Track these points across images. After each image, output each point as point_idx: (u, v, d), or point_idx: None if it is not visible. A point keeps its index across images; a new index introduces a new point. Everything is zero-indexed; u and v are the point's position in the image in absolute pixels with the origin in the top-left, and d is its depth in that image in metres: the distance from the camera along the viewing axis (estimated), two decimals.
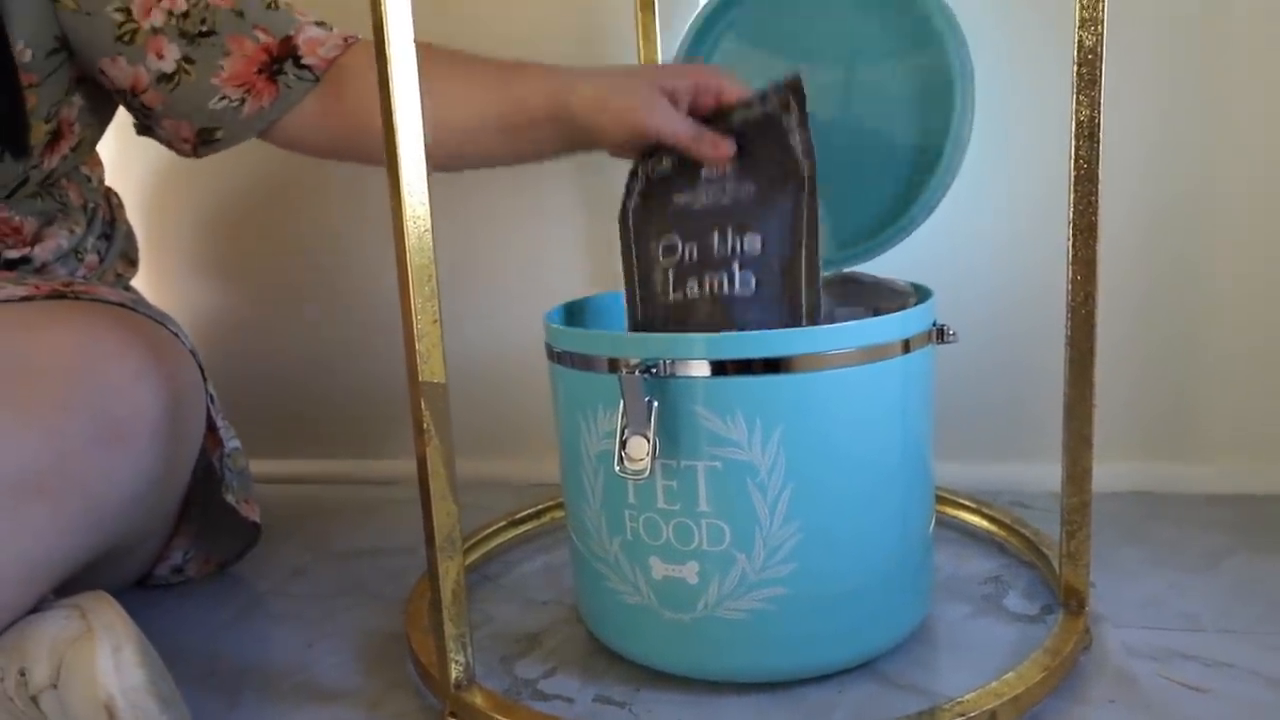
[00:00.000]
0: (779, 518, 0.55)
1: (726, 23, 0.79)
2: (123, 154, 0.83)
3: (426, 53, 0.66)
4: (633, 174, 0.68)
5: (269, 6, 0.70)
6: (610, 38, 0.91)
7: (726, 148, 0.64)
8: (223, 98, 0.70)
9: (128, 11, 0.67)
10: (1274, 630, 0.63)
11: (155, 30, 0.68)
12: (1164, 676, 0.58)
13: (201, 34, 0.68)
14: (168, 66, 0.69)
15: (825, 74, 0.75)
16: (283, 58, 0.70)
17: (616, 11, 0.90)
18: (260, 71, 0.70)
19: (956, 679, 0.59)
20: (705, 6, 0.78)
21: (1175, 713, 0.55)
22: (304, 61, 0.71)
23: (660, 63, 0.85)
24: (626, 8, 0.86)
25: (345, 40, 0.72)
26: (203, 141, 0.73)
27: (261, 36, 0.70)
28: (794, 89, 0.62)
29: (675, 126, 0.65)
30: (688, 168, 0.65)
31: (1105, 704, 0.56)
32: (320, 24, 0.72)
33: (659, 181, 0.67)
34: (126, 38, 0.68)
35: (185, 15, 0.68)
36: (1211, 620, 0.64)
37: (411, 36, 0.49)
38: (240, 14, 0.69)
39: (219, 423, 0.74)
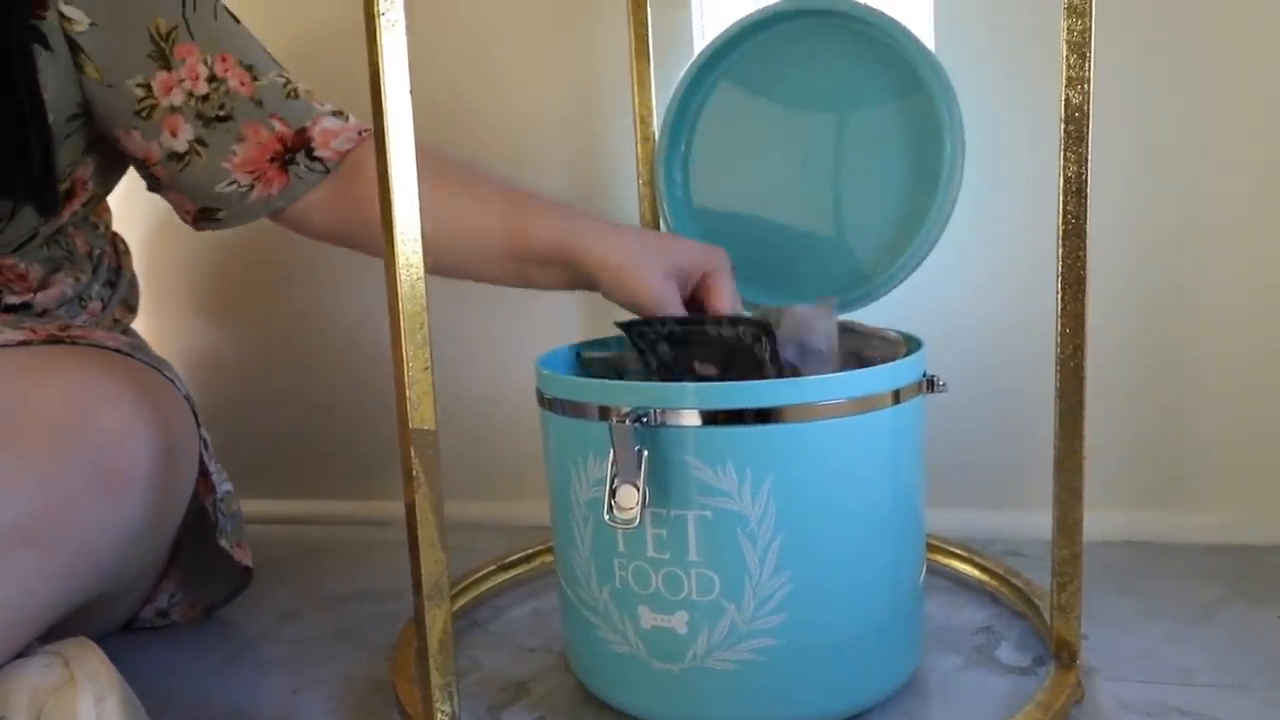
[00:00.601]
0: (769, 568, 0.55)
1: (721, 70, 0.80)
2: (124, 199, 0.84)
3: (437, 165, 0.68)
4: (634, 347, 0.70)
5: (288, 96, 0.71)
6: (605, 85, 0.92)
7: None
8: (231, 182, 0.70)
9: (149, 87, 0.67)
10: (1270, 684, 0.62)
11: (173, 109, 0.68)
12: None
13: (218, 118, 0.69)
14: (180, 146, 0.69)
15: (818, 122, 0.76)
16: (296, 149, 0.70)
17: (611, 60, 0.91)
18: (273, 160, 0.70)
19: None
20: (700, 54, 0.79)
21: None
22: (316, 153, 0.71)
23: (651, 117, 0.86)
24: (621, 56, 0.87)
25: (360, 134, 0.72)
26: (204, 218, 0.74)
27: (277, 126, 0.70)
28: (765, 328, 0.63)
29: (670, 310, 0.67)
30: (683, 356, 0.67)
31: None
32: (338, 113, 0.72)
33: (659, 367, 0.69)
34: (144, 113, 0.68)
35: (205, 98, 0.68)
36: (1206, 674, 0.64)
37: (407, 85, 0.50)
38: (259, 103, 0.69)
39: (211, 467, 0.74)
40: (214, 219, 0.73)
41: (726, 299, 0.69)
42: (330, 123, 0.71)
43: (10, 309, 0.72)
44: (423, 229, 0.51)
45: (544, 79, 0.94)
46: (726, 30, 0.78)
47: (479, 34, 0.95)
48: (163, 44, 0.67)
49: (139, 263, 0.90)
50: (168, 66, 0.68)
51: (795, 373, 0.65)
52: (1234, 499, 0.86)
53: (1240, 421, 0.85)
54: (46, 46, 0.65)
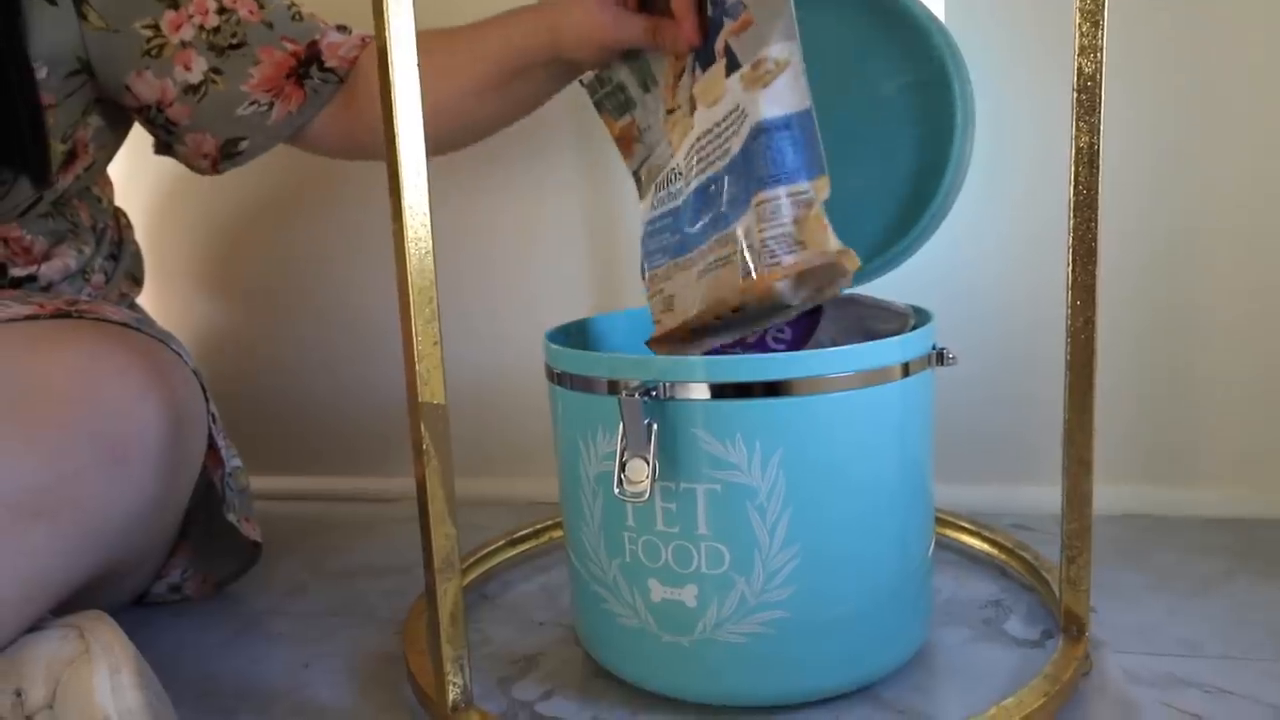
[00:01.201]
0: (778, 541, 0.55)
1: None
2: (128, 173, 0.83)
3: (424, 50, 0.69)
4: None
5: (294, 18, 0.73)
6: None
7: (689, 28, 0.65)
8: (252, 103, 0.72)
9: (156, 28, 0.69)
10: (1274, 656, 0.62)
11: (184, 44, 0.70)
12: (1164, 703, 0.58)
13: (232, 46, 0.71)
14: (194, 78, 0.70)
15: (827, 94, 0.75)
16: (309, 62, 0.73)
17: None
18: (289, 76, 0.73)
19: (956, 704, 0.59)
20: None
21: None
22: (327, 64, 0.74)
23: None
24: None
25: (363, 40, 0.75)
26: (225, 155, 0.75)
27: (289, 45, 0.72)
28: None
29: (636, 33, 0.67)
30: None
31: None
32: (341, 28, 0.75)
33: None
34: (154, 51, 0.70)
35: (216, 30, 0.70)
36: (1212, 646, 0.64)
37: (414, 56, 0.49)
38: (270, 25, 0.72)
39: (220, 442, 0.74)
40: (236, 152, 0.75)
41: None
42: (335, 36, 0.74)
43: (16, 283, 0.72)
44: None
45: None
46: None
47: (485, 10, 0.94)
48: None
49: (143, 238, 0.90)
50: (174, 5, 0.70)
51: (743, 7, 0.62)
52: (1239, 473, 0.86)
53: (1246, 396, 0.84)
54: (51, 0, 0.66)
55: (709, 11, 0.64)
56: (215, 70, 0.71)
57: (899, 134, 0.71)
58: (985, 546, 0.79)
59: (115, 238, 0.82)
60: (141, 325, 0.68)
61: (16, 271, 0.72)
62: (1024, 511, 0.87)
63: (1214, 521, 0.85)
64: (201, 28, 0.70)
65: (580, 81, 0.76)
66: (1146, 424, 0.87)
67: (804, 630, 0.56)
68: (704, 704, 0.60)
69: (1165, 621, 0.68)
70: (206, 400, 0.71)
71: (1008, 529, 0.81)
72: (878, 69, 0.72)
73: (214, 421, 0.74)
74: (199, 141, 0.74)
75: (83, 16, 0.67)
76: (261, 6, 0.72)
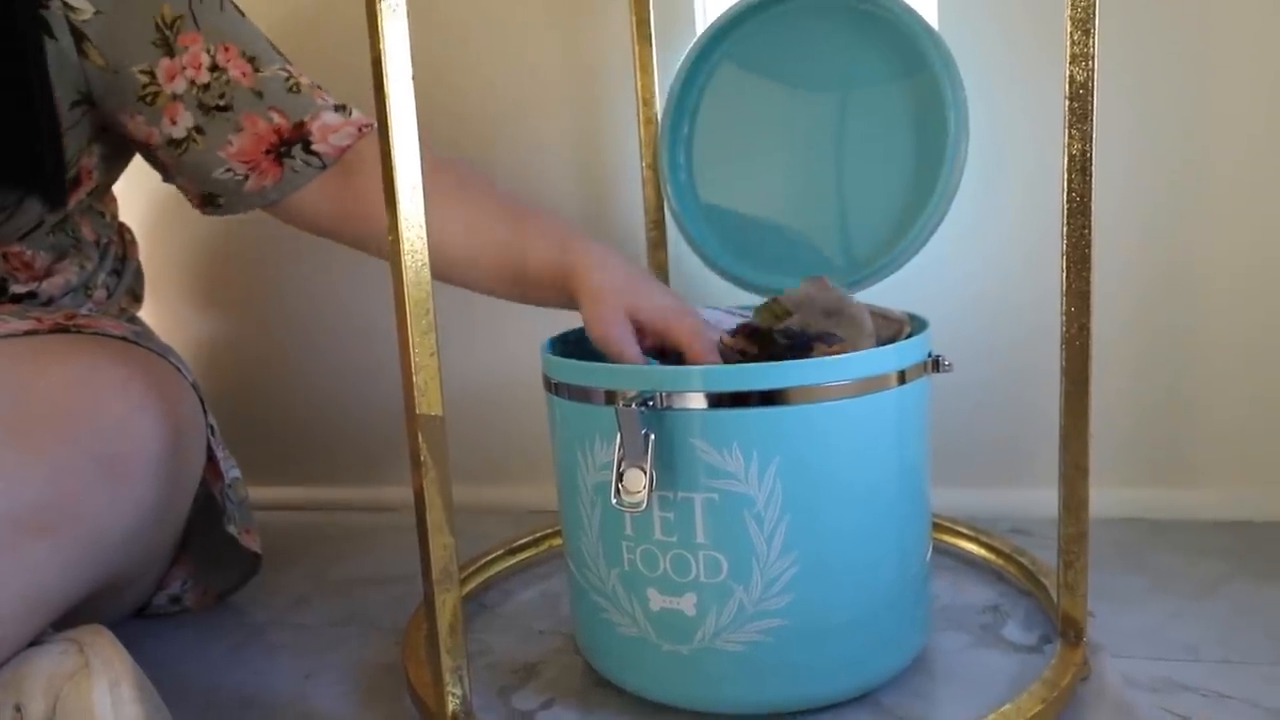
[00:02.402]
0: (776, 549, 0.55)
1: (723, 52, 0.79)
2: (124, 186, 0.84)
3: (439, 172, 0.69)
4: None
5: (290, 90, 0.71)
6: (608, 68, 0.92)
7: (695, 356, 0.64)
8: (227, 170, 0.71)
9: (152, 75, 0.68)
10: (1273, 660, 0.62)
11: (175, 96, 0.69)
12: (1163, 708, 0.58)
13: (218, 107, 0.69)
14: (178, 133, 0.70)
15: (821, 102, 0.75)
16: (293, 141, 0.70)
17: (614, 43, 0.91)
18: (268, 152, 0.70)
19: (955, 710, 0.59)
20: (701, 36, 0.79)
21: None
22: (314, 148, 0.71)
23: (654, 100, 0.86)
24: (623, 39, 0.87)
25: (360, 129, 0.72)
26: (206, 203, 0.74)
27: (276, 118, 0.70)
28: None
29: (623, 349, 0.64)
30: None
31: None
32: (340, 108, 0.72)
33: None
34: (148, 99, 0.69)
35: (206, 87, 0.69)
36: (1210, 650, 0.64)
37: (409, 68, 0.50)
38: (259, 94, 0.70)
39: (219, 454, 0.75)
40: (215, 204, 0.74)
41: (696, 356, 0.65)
42: (330, 117, 0.71)
43: (16, 298, 0.72)
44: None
45: (546, 62, 0.94)
46: (728, 11, 0.78)
47: (481, 17, 0.95)
48: (167, 31, 0.68)
49: (141, 252, 0.90)
50: (171, 54, 0.68)
51: (838, 339, 0.64)
52: (1237, 475, 0.86)
53: (1243, 398, 0.85)
54: (50, 35, 0.66)
55: (780, 341, 0.65)
56: (198, 129, 0.69)
57: (893, 143, 0.72)
58: (983, 552, 0.79)
59: (119, 253, 0.83)
60: (140, 339, 0.68)
61: (17, 288, 0.72)
62: (1021, 516, 0.87)
63: (1212, 524, 0.85)
64: (193, 82, 0.68)
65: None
66: (1143, 427, 0.87)
67: (803, 638, 0.57)
68: (704, 712, 0.60)
69: (1163, 625, 0.68)
70: (205, 413, 0.71)
71: (1005, 534, 0.82)
72: (872, 79, 0.73)
73: (213, 434, 0.74)
74: (183, 186, 0.74)
75: (83, 54, 0.67)
76: (256, 70, 0.70)
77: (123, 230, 0.85)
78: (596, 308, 0.65)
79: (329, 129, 0.71)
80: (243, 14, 0.72)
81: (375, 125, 0.71)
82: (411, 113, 0.50)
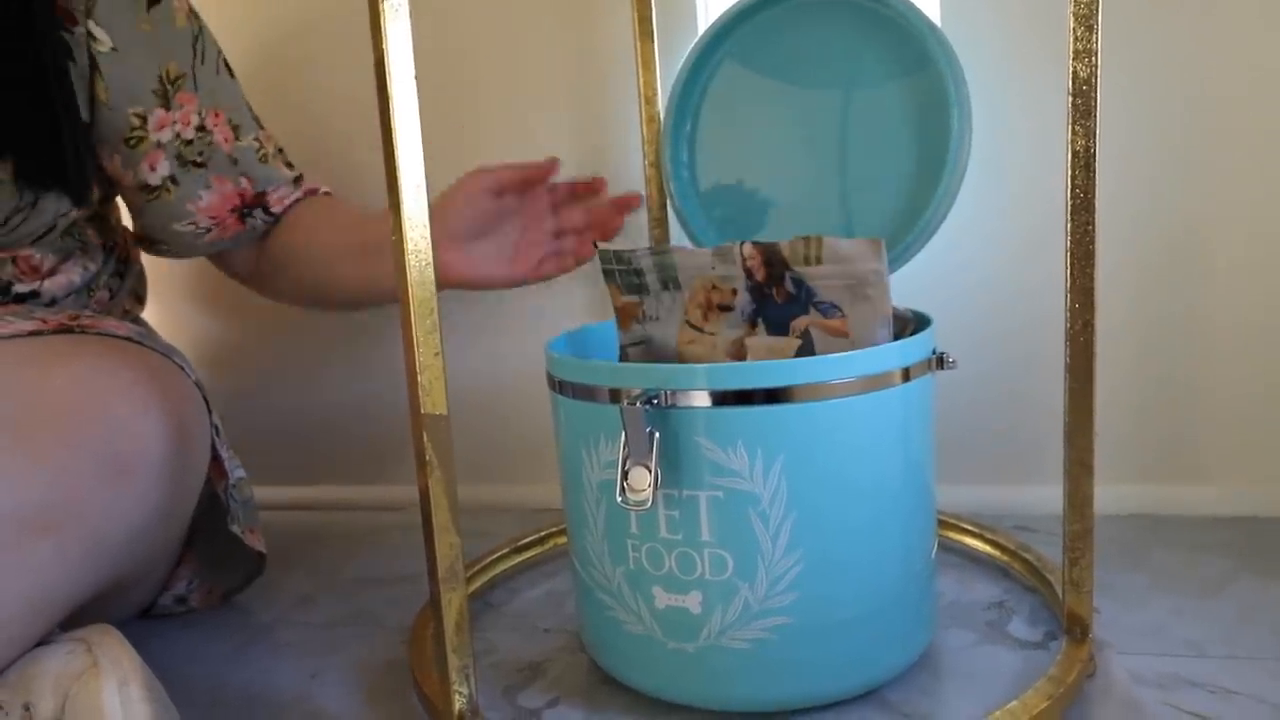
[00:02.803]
0: (781, 547, 0.55)
1: (726, 49, 0.79)
2: None
3: (309, 210, 0.83)
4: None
5: (261, 159, 0.79)
6: (610, 66, 0.92)
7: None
8: (190, 223, 0.77)
9: (144, 119, 0.73)
10: (1278, 656, 0.62)
11: (159, 144, 0.74)
12: (1169, 704, 0.58)
13: (195, 163, 0.76)
14: (154, 180, 0.75)
15: (824, 99, 0.75)
16: (254, 205, 0.79)
17: (616, 40, 0.90)
18: (233, 211, 0.79)
19: (961, 707, 0.59)
20: (704, 34, 0.79)
21: None
22: (271, 209, 0.80)
23: (656, 98, 0.86)
24: (626, 36, 0.87)
25: (306, 193, 0.83)
26: (142, 240, 0.82)
27: (244, 183, 0.78)
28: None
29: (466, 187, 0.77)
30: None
31: None
32: (296, 181, 0.82)
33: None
34: (132, 142, 0.74)
35: (189, 143, 0.75)
36: (1216, 646, 0.64)
37: (412, 68, 0.50)
38: (235, 161, 0.78)
39: (224, 453, 0.75)
40: (154, 246, 0.81)
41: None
42: (285, 190, 0.82)
43: (19, 298, 0.72)
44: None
45: (548, 59, 0.94)
46: (730, 8, 0.78)
47: (482, 15, 0.95)
48: (169, 86, 0.73)
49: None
50: (166, 106, 0.74)
51: (841, 314, 0.63)
52: (1242, 471, 0.86)
53: (1247, 394, 0.84)
54: (71, 58, 0.69)
55: (786, 283, 0.64)
56: (173, 179, 0.75)
57: (896, 141, 0.72)
58: (988, 548, 0.79)
59: (122, 255, 0.83)
60: (144, 339, 0.69)
61: (20, 288, 0.72)
62: (1026, 513, 0.87)
63: (1217, 520, 0.85)
64: (178, 135, 0.74)
65: (594, 244, 0.79)
66: (1148, 423, 0.87)
67: (808, 635, 0.57)
68: (710, 710, 0.60)
69: (1169, 622, 0.68)
70: (209, 412, 0.71)
71: (1010, 530, 0.82)
72: (874, 76, 0.73)
73: (217, 433, 0.74)
74: (134, 219, 0.81)
75: (92, 84, 0.71)
76: (237, 139, 0.77)
77: (126, 233, 0.86)
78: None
79: (285, 196, 0.81)
80: (233, 75, 0.80)
81: (321, 190, 0.84)
82: (415, 112, 0.50)
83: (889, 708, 0.59)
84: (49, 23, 0.68)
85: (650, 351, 0.71)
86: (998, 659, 0.64)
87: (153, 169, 0.74)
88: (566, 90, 0.94)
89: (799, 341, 0.64)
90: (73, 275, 0.75)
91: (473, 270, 0.78)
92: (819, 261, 0.63)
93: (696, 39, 0.80)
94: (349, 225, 0.82)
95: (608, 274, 0.71)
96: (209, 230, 0.78)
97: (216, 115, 0.76)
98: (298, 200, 0.82)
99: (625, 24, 0.87)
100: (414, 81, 0.50)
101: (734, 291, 0.66)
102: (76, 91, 0.70)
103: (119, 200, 0.84)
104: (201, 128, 0.75)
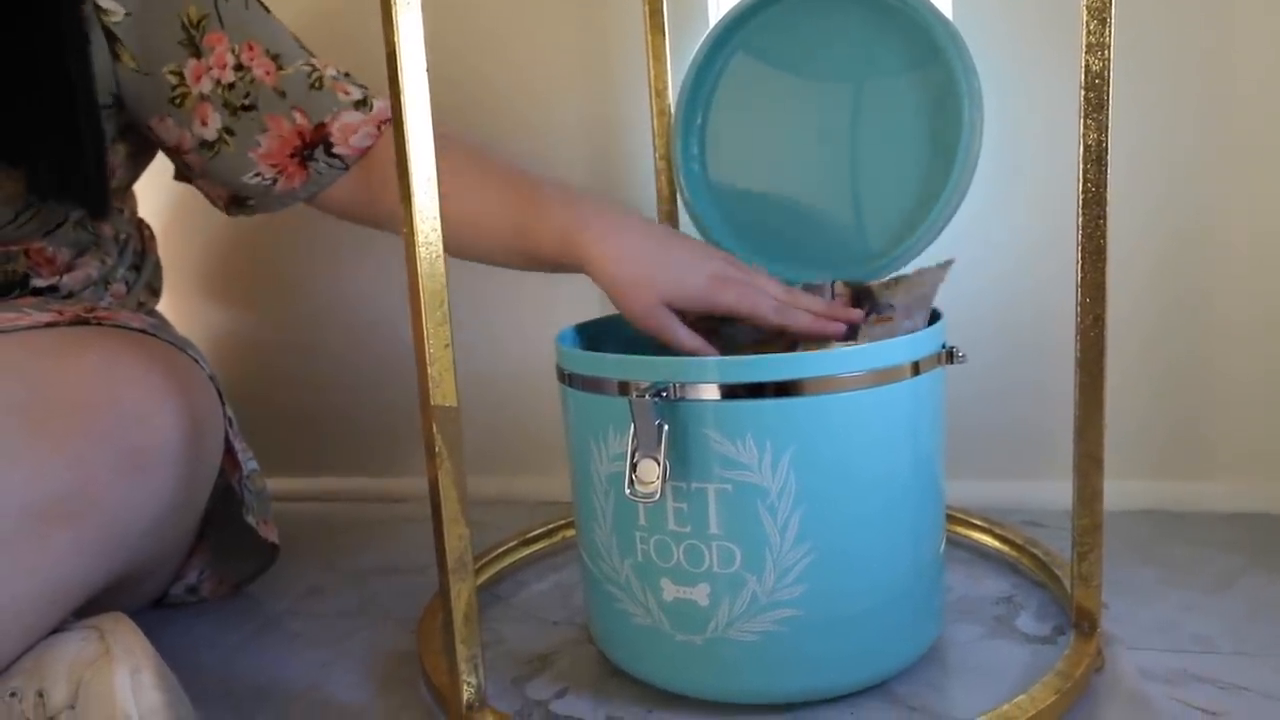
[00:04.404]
0: (790, 540, 0.55)
1: (737, 42, 0.79)
2: (145, 184, 0.84)
3: (449, 148, 0.66)
4: None
5: (313, 86, 0.70)
6: (621, 59, 0.92)
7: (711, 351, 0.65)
8: (256, 174, 0.71)
9: (181, 75, 0.69)
10: None
11: (203, 97, 0.69)
12: (1177, 699, 0.58)
13: (243, 107, 0.69)
14: (210, 135, 0.70)
15: (835, 92, 0.75)
16: (314, 144, 0.71)
17: (627, 33, 0.90)
18: (293, 155, 0.71)
19: (969, 701, 0.59)
20: (715, 26, 0.79)
21: None
22: (335, 150, 0.71)
23: (667, 90, 0.85)
24: (636, 29, 0.87)
25: (379, 127, 0.72)
26: (235, 204, 0.75)
27: (298, 118, 0.70)
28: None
29: (675, 337, 0.64)
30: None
31: None
32: (361, 103, 0.72)
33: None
34: (178, 100, 0.69)
35: (231, 86, 0.69)
36: (1225, 642, 0.64)
37: (424, 62, 0.50)
38: (282, 94, 0.70)
39: (237, 445, 0.75)
40: (245, 205, 0.75)
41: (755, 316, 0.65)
42: (350, 117, 0.71)
43: (38, 291, 0.73)
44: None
45: (559, 53, 0.94)
46: (741, 1, 0.77)
47: (494, 9, 0.95)
48: (193, 31, 0.68)
49: (161, 246, 0.91)
50: (198, 54, 0.68)
51: (892, 309, 0.66)
52: (1253, 467, 0.85)
53: (1259, 389, 0.84)
54: (88, 41, 0.66)
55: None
56: (228, 130, 0.70)
57: (907, 134, 0.71)
58: (996, 543, 0.79)
59: (138, 248, 0.83)
60: (159, 331, 0.69)
61: (39, 282, 0.73)
62: (1036, 508, 0.87)
63: (1228, 516, 0.84)
64: (218, 82, 0.69)
65: None
66: (1159, 419, 0.86)
67: (816, 628, 0.57)
68: (717, 702, 0.60)
69: (1179, 617, 0.68)
70: (223, 404, 0.71)
71: (1019, 526, 0.81)
72: (887, 69, 0.72)
73: (231, 425, 0.74)
74: (211, 187, 0.75)
75: (116, 56, 0.68)
76: (280, 68, 0.70)
77: (141, 226, 0.86)
78: (628, 305, 0.64)
79: (349, 129, 0.71)
80: (267, 9, 0.72)
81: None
82: (426, 106, 0.50)
83: (897, 701, 0.60)
84: (74, 24, 0.65)
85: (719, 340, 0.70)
86: (1006, 653, 0.64)
87: (204, 124, 0.69)
88: (577, 83, 0.94)
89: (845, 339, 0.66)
90: (90, 270, 0.75)
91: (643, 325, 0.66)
92: (899, 285, 0.67)
93: (707, 32, 0.79)
94: (501, 200, 0.70)
95: None
96: (275, 181, 0.71)
97: (251, 48, 0.69)
98: (372, 137, 0.72)
99: (636, 17, 0.87)
100: (425, 74, 0.50)
101: None
102: (99, 72, 0.67)
103: (134, 192, 0.84)
104: (239, 66, 0.69)
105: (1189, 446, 0.86)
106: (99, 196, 0.70)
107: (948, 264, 0.65)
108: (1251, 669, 0.61)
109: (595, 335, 0.73)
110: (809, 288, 0.70)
